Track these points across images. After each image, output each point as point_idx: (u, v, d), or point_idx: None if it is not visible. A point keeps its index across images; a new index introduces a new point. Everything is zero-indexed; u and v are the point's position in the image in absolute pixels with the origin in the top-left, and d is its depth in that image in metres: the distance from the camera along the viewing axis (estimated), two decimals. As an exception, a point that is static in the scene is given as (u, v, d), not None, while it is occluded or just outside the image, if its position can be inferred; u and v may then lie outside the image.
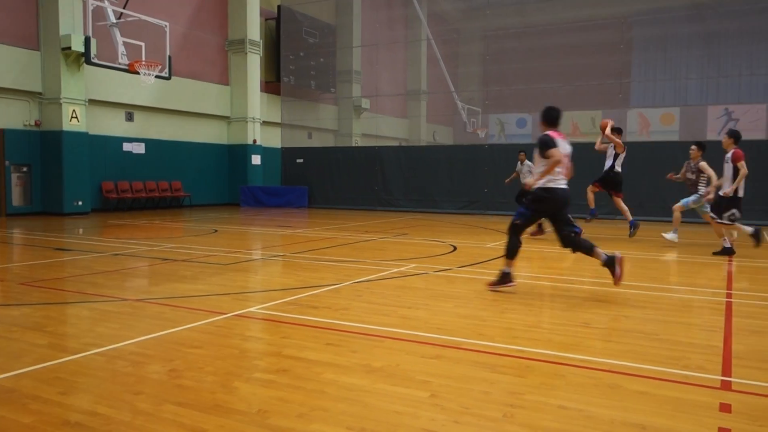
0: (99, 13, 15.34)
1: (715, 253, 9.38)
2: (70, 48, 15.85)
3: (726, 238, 9.37)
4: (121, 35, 15.52)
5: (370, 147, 22.00)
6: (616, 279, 6.10)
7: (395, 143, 27.48)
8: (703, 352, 4.21)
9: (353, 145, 25.74)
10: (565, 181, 6.24)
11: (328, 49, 25.80)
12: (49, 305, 5.64)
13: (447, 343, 4.35)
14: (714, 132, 24.67)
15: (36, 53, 16.29)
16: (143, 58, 15.62)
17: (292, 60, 23.98)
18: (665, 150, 16.62)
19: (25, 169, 16.48)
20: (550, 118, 6.42)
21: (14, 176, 16.27)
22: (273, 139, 23.70)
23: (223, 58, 22.24)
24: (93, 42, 15.49)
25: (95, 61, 15.62)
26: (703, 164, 10.18)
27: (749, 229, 9.45)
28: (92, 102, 17.44)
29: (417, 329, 4.74)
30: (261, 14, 22.93)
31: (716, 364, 3.94)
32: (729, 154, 9.29)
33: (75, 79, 16.51)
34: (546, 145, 6.12)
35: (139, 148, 19.28)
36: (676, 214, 10.48)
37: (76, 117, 16.60)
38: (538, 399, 3.28)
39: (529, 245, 10.19)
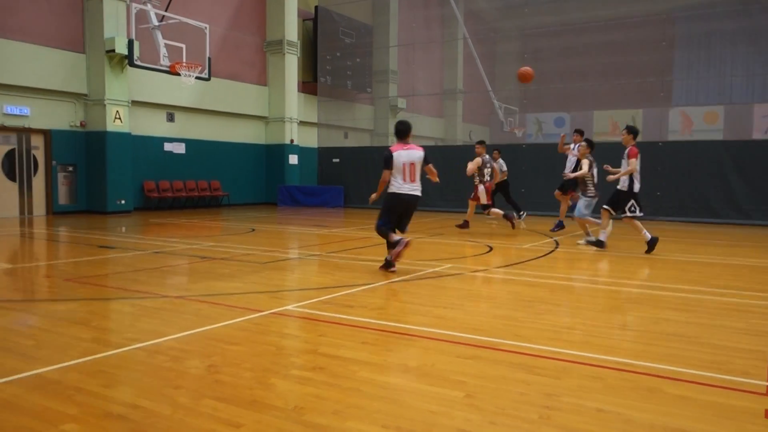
0: (142, 17, 15.71)
1: (589, 242, 9.78)
2: (114, 50, 16.27)
3: (603, 231, 9.54)
4: (163, 37, 15.86)
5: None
6: (394, 255, 7.17)
7: (431, 143, 27.40)
8: (748, 356, 4.10)
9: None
10: (410, 187, 7.26)
11: (364, 49, 25.89)
12: (93, 301, 5.80)
13: (483, 344, 4.33)
14: (760, 131, 23.92)
15: (81, 56, 16.77)
16: (184, 60, 15.93)
17: (329, 60, 24.13)
18: (709, 150, 16.21)
19: (70, 168, 16.99)
20: (396, 131, 7.43)
21: (60, 175, 16.78)
22: (310, 139, 23.90)
23: (261, 59, 22.52)
24: (136, 44, 15.88)
25: (138, 63, 16.01)
26: (584, 161, 10.21)
27: (647, 235, 9.27)
28: (135, 103, 17.86)
29: (452, 329, 4.72)
30: (298, 15, 23.14)
31: (761, 369, 3.82)
32: (626, 151, 9.25)
33: (119, 80, 16.94)
34: (384, 161, 7.26)
35: (180, 148, 19.66)
36: (604, 221, 9.73)
37: (120, 118, 17.03)
38: (576, 401, 3.24)
39: (567, 248, 10.04)
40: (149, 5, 15.71)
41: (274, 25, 22.34)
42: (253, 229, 12.95)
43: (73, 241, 11.16)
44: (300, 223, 14.91)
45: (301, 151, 23.33)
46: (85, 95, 16.94)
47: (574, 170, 10.85)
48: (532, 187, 18.00)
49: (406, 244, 7.17)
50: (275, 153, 22.68)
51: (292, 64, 22.65)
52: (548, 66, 24.05)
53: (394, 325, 4.82)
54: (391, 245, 7.27)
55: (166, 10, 16.09)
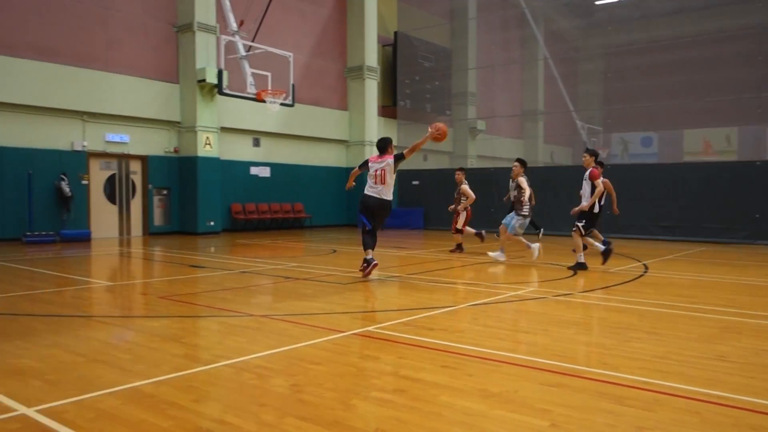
0: (230, 48, 16.50)
1: (570, 268, 9.71)
2: (204, 80, 17.16)
3: (580, 252, 9.72)
4: (250, 66, 16.59)
5: (485, 168, 21.84)
6: (364, 274, 8.54)
7: (511, 164, 27.05)
8: None
9: (468, 166, 25.67)
10: (373, 190, 8.62)
11: (443, 72, 26.03)
12: (185, 318, 6.06)
13: (568, 371, 4.19)
14: None
15: (176, 86, 17.78)
16: (269, 87, 16.57)
17: (408, 84, 24.41)
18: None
19: (165, 192, 17.95)
20: (377, 146, 9.01)
21: (156, 198, 17.76)
22: (389, 162, 24.13)
23: (342, 85, 23.08)
24: (225, 74, 16.67)
25: (226, 91, 16.79)
26: (522, 179, 10.66)
27: (600, 246, 9.82)
28: (223, 129, 18.71)
29: (536, 355, 4.60)
30: (378, 41, 23.60)
31: None
32: (587, 173, 9.66)
33: (209, 108, 17.82)
34: (362, 163, 9.10)
35: (265, 172, 20.37)
36: (503, 237, 10.80)
37: (210, 143, 17.87)
38: (669, 435, 3.07)
39: (660, 270, 9.61)
40: (237, 37, 16.49)
41: (355, 51, 22.88)
42: (335, 251, 13.16)
43: (166, 260, 11.74)
44: (380, 245, 14.96)
45: (381, 174, 23.57)
46: (179, 123, 17.91)
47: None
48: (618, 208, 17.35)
49: (372, 268, 8.59)
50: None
51: (371, 89, 23.08)
52: (634, 84, 23.29)
53: (475, 349, 4.75)
54: (365, 261, 8.61)
55: (252, 41, 16.82)
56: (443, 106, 26.40)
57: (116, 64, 16.48)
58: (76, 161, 15.86)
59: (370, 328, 5.53)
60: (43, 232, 14.76)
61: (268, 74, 16.73)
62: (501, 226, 10.89)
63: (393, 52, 24.48)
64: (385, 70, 24.47)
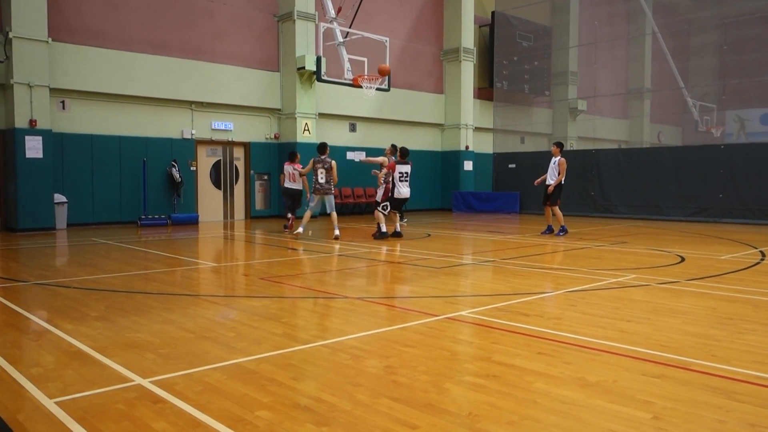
0: (328, 35, 16.79)
1: (373, 236, 12.15)
2: (303, 68, 17.59)
3: (381, 223, 12.04)
4: (347, 53, 16.80)
5: (586, 150, 21.03)
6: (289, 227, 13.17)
7: (614, 145, 25.91)
8: None
9: (568, 148, 24.82)
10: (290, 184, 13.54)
11: (542, 51, 25.24)
12: (284, 298, 6.30)
13: (672, 362, 3.99)
14: None
15: (276, 74, 18.34)
16: (366, 73, 16.72)
17: (506, 65, 23.87)
18: None
19: (265, 177, 18.64)
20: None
21: (257, 183, 18.49)
22: (485, 145, 23.80)
23: (438, 68, 22.91)
24: (323, 61, 16.99)
25: (324, 78, 17.10)
26: (334, 166, 12.31)
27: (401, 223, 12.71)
28: (321, 115, 19.12)
29: (637, 344, 4.41)
30: (475, 21, 23.19)
31: None
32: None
33: (308, 95, 18.27)
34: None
35: (361, 156, 20.62)
36: (307, 214, 12.42)
37: (308, 129, 18.34)
38: (786, 435, 2.86)
39: (776, 258, 8.91)
40: (335, 23, 16.73)
41: (451, 33, 22.61)
42: (429, 234, 13.18)
43: (267, 243, 12.23)
44: (474, 229, 14.88)
45: (476, 157, 23.30)
46: (279, 110, 18.49)
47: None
48: (731, 192, 16.22)
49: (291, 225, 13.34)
50: (451, 159, 22.91)
51: (468, 71, 22.75)
52: (753, 57, 21.57)
53: (572, 337, 4.62)
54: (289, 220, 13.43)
55: (350, 27, 17.02)
56: (542, 87, 25.62)
57: (221, 55, 17.22)
58: (186, 148, 16.78)
59: (463, 313, 5.51)
60: (156, 216, 15.77)
61: (365, 59, 16.87)
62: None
63: (490, 33, 23.98)
64: (481, 51, 24.04)
